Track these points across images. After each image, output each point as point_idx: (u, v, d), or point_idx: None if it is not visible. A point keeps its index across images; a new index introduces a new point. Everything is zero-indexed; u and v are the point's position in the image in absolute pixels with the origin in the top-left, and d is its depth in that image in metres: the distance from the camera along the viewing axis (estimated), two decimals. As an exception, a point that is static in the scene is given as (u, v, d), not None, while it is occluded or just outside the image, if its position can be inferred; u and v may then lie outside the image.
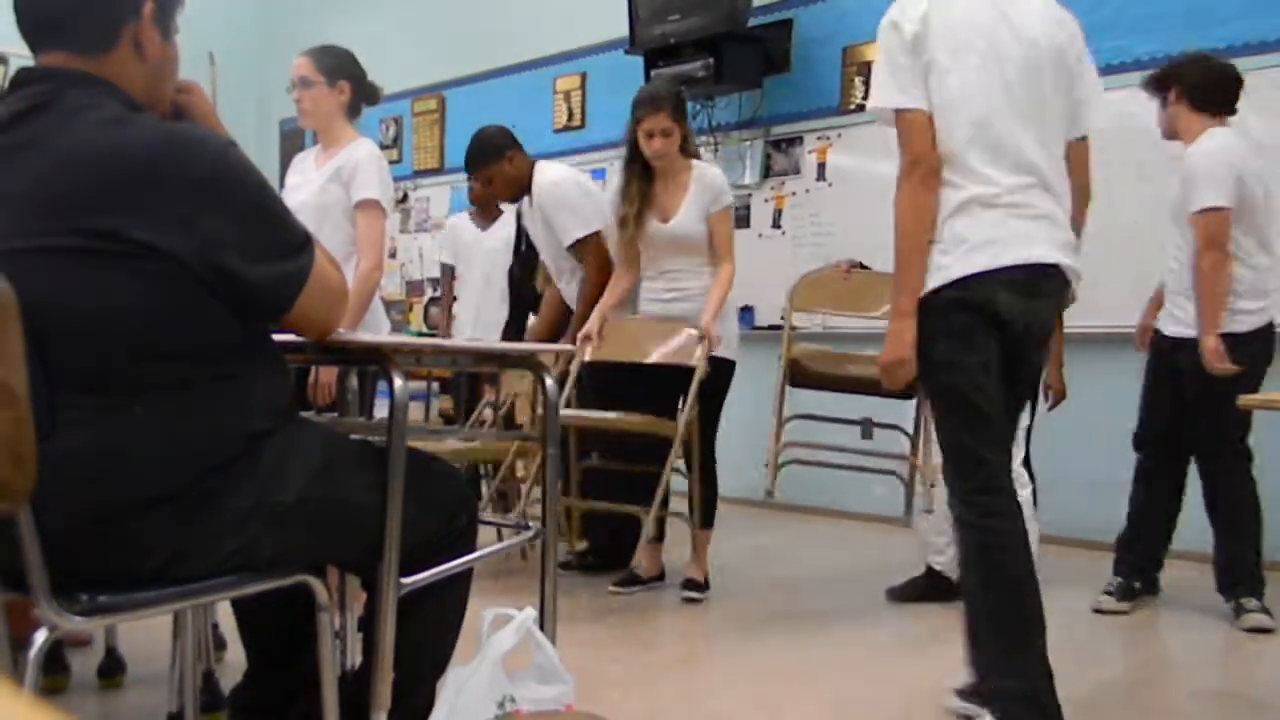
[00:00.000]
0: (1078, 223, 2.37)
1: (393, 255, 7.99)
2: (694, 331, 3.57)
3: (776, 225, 5.89)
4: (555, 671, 1.96)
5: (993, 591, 2.20)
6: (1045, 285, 2.25)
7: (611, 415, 3.59)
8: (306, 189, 3.18)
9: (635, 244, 3.72)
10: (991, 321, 2.21)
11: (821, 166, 5.75)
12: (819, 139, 5.75)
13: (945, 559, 3.52)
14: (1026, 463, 3.46)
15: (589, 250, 3.96)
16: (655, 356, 3.61)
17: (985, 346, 2.22)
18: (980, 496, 2.22)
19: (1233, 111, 3.47)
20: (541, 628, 2.04)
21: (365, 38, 8.63)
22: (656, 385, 3.64)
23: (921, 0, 2.26)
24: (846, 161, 5.64)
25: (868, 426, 4.12)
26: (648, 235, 3.69)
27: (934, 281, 2.23)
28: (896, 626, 3.47)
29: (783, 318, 3.56)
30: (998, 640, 2.21)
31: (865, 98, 5.51)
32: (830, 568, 3.54)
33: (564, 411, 3.35)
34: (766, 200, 5.96)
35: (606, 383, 3.77)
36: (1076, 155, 2.36)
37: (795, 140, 5.85)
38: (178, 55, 1.69)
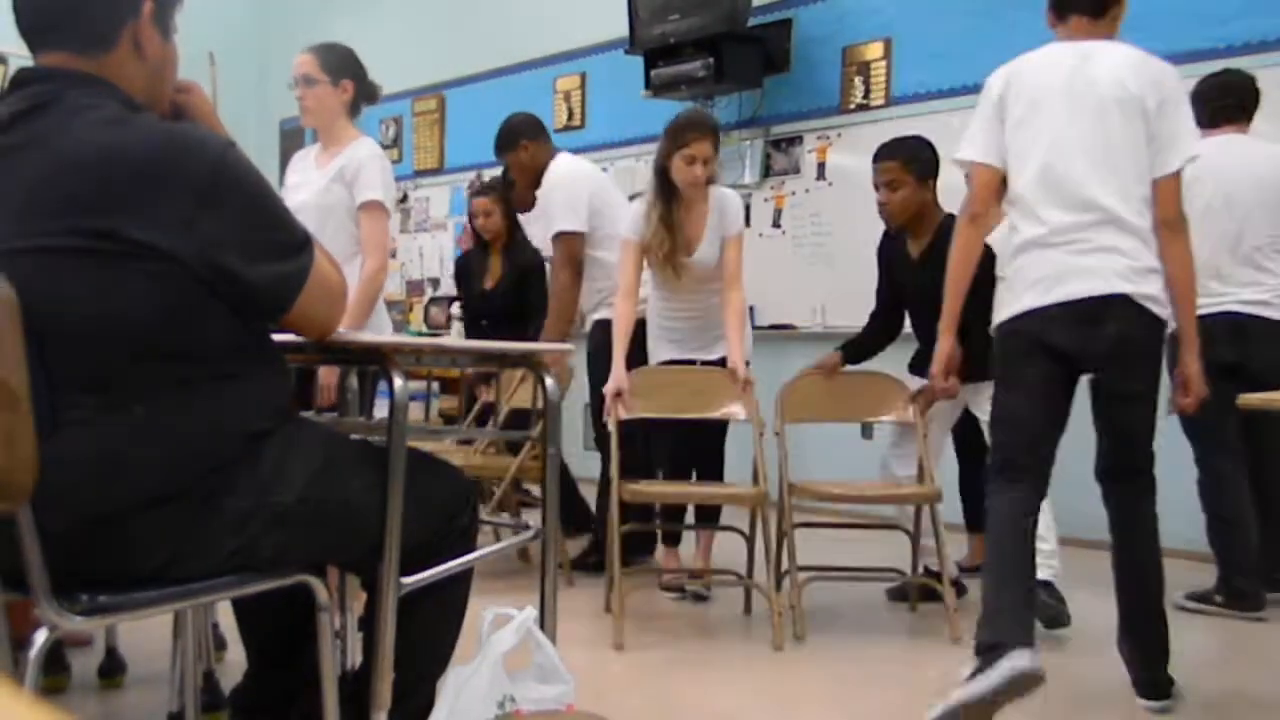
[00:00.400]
0: (1170, 252, 2.53)
1: (393, 255, 7.99)
2: (728, 379, 3.50)
3: (776, 225, 5.90)
4: (556, 671, 1.96)
5: (989, 557, 2.55)
6: (1109, 313, 2.46)
7: (689, 490, 3.67)
8: (308, 189, 3.17)
9: (668, 277, 3.61)
10: (1047, 351, 2.50)
11: (821, 166, 5.75)
12: (819, 138, 5.75)
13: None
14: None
15: (562, 247, 3.97)
16: (697, 412, 3.54)
17: (1033, 373, 2.52)
18: (996, 478, 2.56)
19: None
20: (542, 627, 2.05)
21: (365, 37, 8.62)
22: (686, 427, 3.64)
23: (1015, 61, 2.62)
24: (846, 161, 5.64)
25: (867, 427, 4.12)
26: (674, 268, 3.59)
27: (998, 317, 2.60)
28: (900, 624, 3.47)
29: (776, 432, 3.42)
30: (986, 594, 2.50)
31: (865, 97, 5.59)
32: (835, 565, 3.54)
33: (638, 488, 3.36)
34: (766, 200, 5.96)
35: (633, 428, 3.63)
36: (1162, 193, 2.53)
37: (795, 140, 5.86)
38: (177, 55, 1.69)
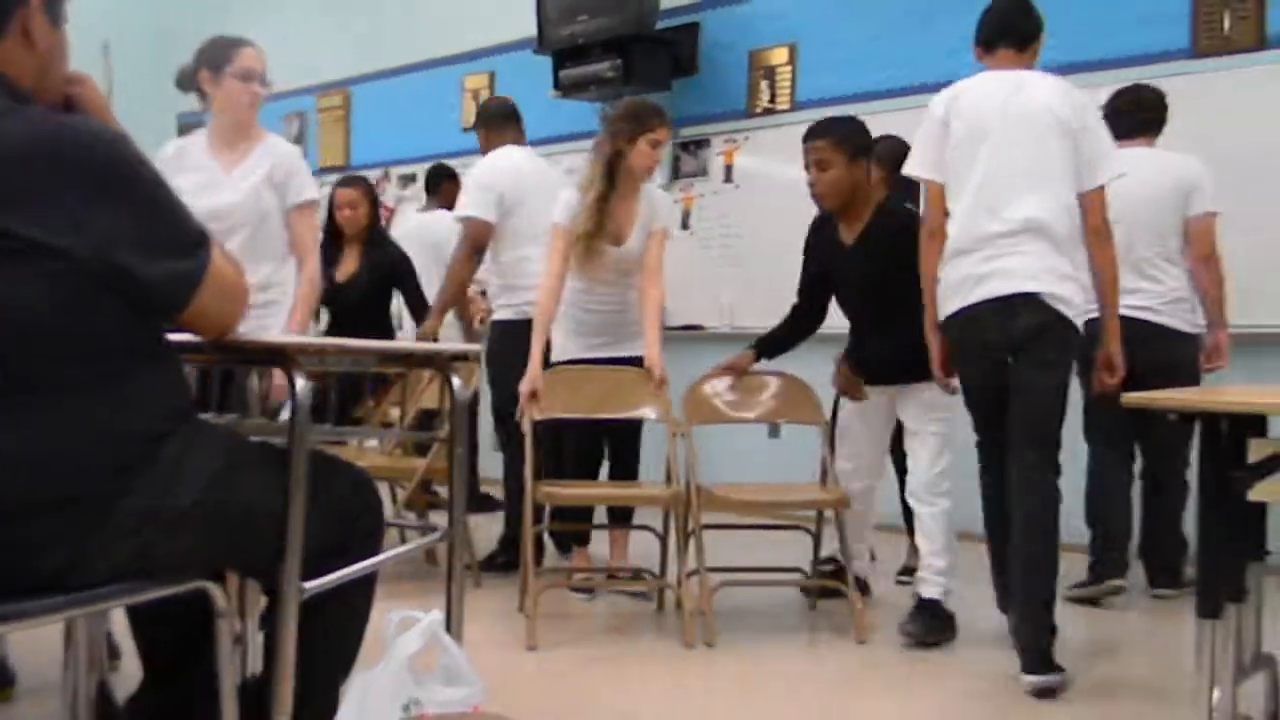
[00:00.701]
0: (1099, 256, 2.94)
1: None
2: (642, 378, 3.53)
3: (685, 226, 5.93)
4: (463, 673, 1.95)
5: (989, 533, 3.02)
6: (1024, 309, 2.83)
7: (604, 492, 3.69)
8: (231, 190, 3.08)
9: (586, 262, 3.59)
10: (977, 343, 2.92)
11: (729, 168, 5.81)
12: (726, 141, 5.81)
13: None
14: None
15: (462, 229, 4.05)
16: (610, 412, 3.55)
17: (973, 361, 2.97)
18: (980, 454, 3.03)
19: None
20: (449, 629, 2.03)
21: (266, 30, 8.44)
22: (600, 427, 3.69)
23: (953, 87, 3.00)
24: (753, 164, 5.71)
25: (774, 427, 4.16)
26: (596, 254, 3.58)
27: (940, 314, 3.00)
28: (806, 622, 3.53)
29: (683, 433, 3.44)
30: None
31: (771, 100, 5.66)
32: (752, 563, 3.58)
33: (552, 490, 3.40)
34: (675, 201, 5.98)
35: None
36: (1091, 204, 2.91)
37: (703, 142, 5.91)
38: (67, 44, 1.64)
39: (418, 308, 4.53)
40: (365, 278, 4.53)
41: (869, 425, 3.53)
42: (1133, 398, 2.13)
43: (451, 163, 7.06)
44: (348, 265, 4.57)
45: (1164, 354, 3.60)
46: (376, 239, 4.64)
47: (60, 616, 1.70)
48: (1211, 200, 3.69)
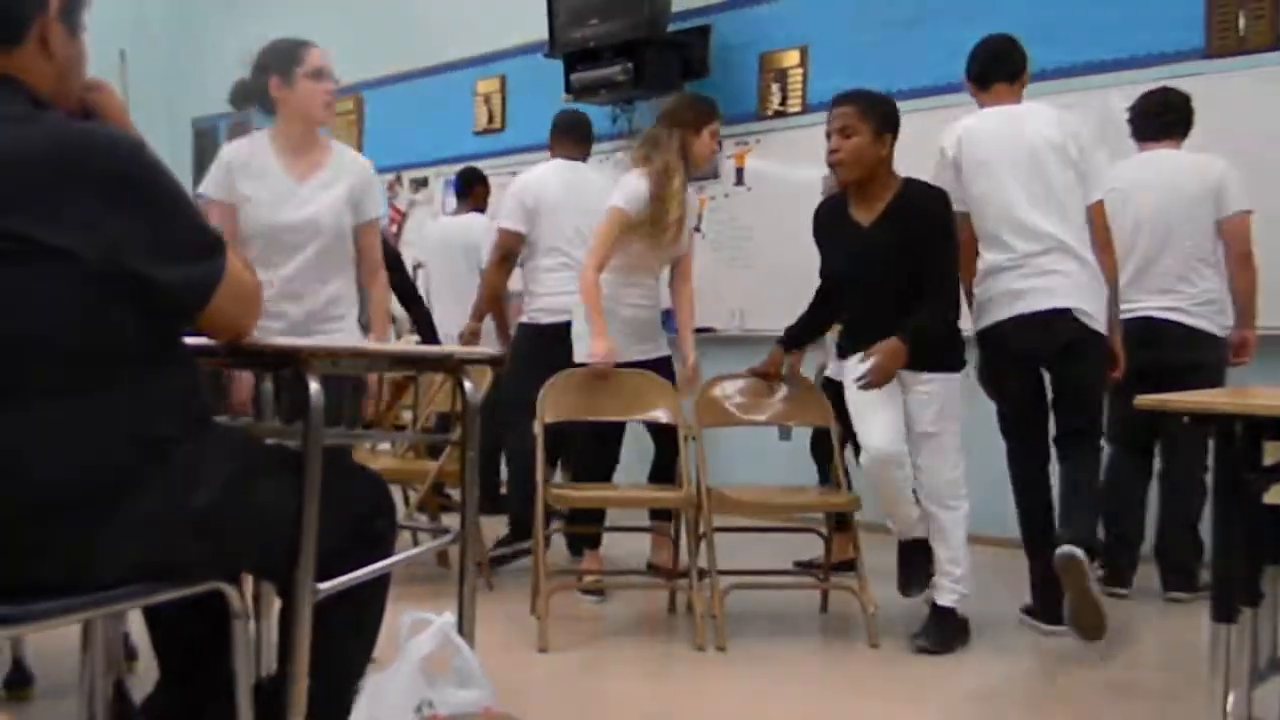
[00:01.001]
0: (1105, 265, 3.28)
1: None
2: (655, 380, 3.56)
3: (696, 229, 5.91)
4: (475, 675, 1.96)
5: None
6: (1058, 323, 3.17)
7: (616, 494, 3.65)
8: (313, 205, 2.96)
9: (655, 247, 3.60)
10: (1014, 357, 3.26)
11: (740, 171, 5.82)
12: (737, 144, 5.81)
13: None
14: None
15: (496, 238, 4.20)
16: (625, 415, 3.59)
17: (1008, 375, 3.30)
18: (1011, 442, 3.37)
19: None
20: (461, 631, 2.04)
21: (280, 35, 8.52)
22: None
23: (956, 126, 3.35)
24: (764, 166, 5.71)
25: (785, 429, 4.16)
26: (663, 242, 3.59)
27: (978, 325, 3.34)
28: (817, 625, 3.52)
29: (694, 437, 3.43)
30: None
31: (782, 103, 5.66)
32: (758, 565, 3.58)
33: (563, 492, 3.43)
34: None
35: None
36: (1094, 214, 3.29)
37: (714, 145, 5.90)
38: (85, 52, 1.66)
39: (407, 295, 4.53)
40: None
41: (886, 404, 3.22)
42: (1148, 400, 2.13)
43: (461, 167, 7.09)
44: None
45: (1193, 356, 3.63)
46: None
47: (77, 617, 1.71)
48: (1243, 198, 3.69)
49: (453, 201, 7.05)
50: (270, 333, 2.73)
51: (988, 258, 3.29)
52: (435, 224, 5.95)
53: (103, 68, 1.82)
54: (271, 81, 2.98)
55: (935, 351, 3.15)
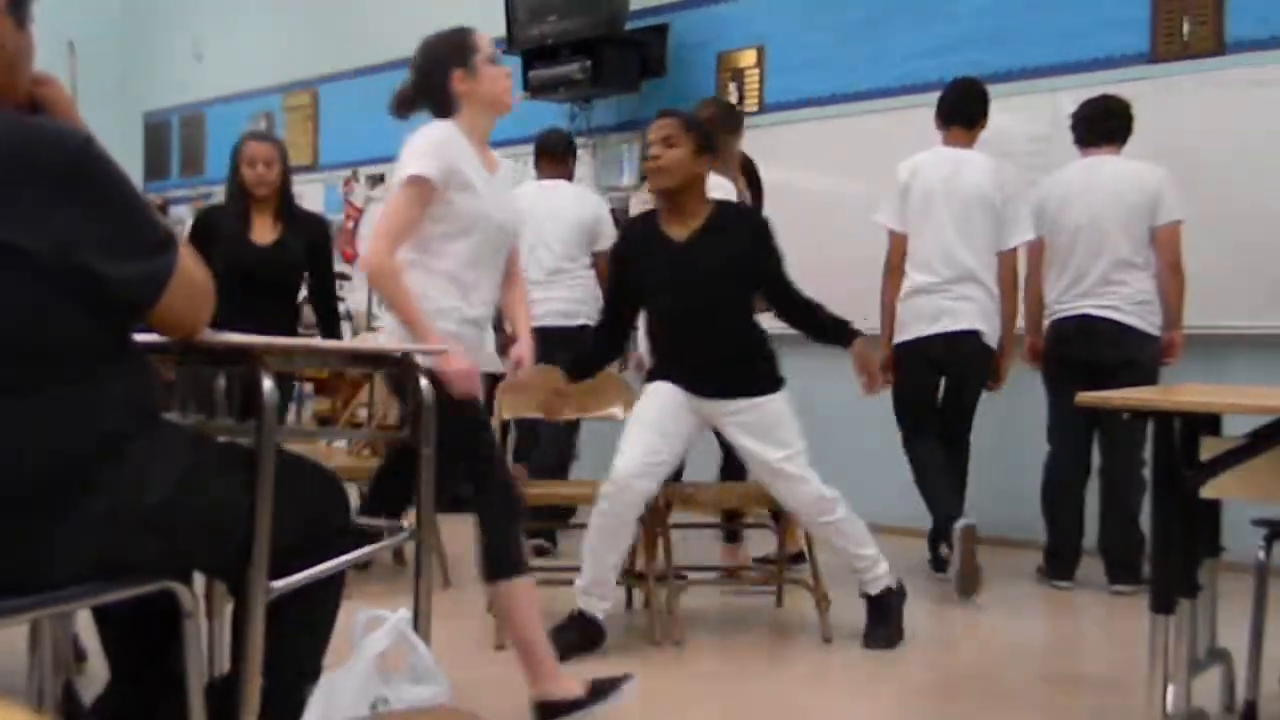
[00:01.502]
0: (1007, 300, 3.96)
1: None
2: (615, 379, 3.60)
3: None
4: (430, 672, 1.96)
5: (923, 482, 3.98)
6: (965, 343, 3.88)
7: (573, 491, 3.60)
8: (512, 207, 2.73)
9: None
10: (927, 364, 3.94)
11: (697, 170, 5.83)
12: (695, 143, 5.82)
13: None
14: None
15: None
16: (584, 412, 3.61)
17: (920, 379, 3.97)
18: (912, 437, 4.01)
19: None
20: (416, 629, 2.04)
21: (233, 28, 8.43)
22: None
23: (913, 159, 3.98)
24: (721, 165, 5.73)
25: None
26: None
27: (897, 339, 3.99)
28: (771, 620, 3.56)
29: None
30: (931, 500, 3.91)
31: (739, 103, 5.68)
32: (715, 561, 3.61)
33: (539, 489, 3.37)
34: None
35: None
36: (1004, 262, 3.97)
37: (672, 143, 5.92)
38: (33, 45, 1.64)
39: (328, 285, 4.23)
40: (289, 243, 4.03)
41: (671, 424, 3.14)
42: (1088, 397, 2.18)
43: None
44: (265, 228, 4.04)
45: (1128, 352, 3.82)
46: (291, 206, 4.15)
47: (26, 617, 1.70)
48: (1177, 208, 3.85)
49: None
50: (479, 351, 2.58)
51: (916, 278, 3.91)
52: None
53: (51, 59, 1.80)
54: (454, 75, 2.72)
55: (743, 376, 3.11)
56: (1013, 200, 3.91)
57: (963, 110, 4.02)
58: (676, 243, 3.11)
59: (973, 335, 3.86)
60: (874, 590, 3.20)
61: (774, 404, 3.11)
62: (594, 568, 3.07)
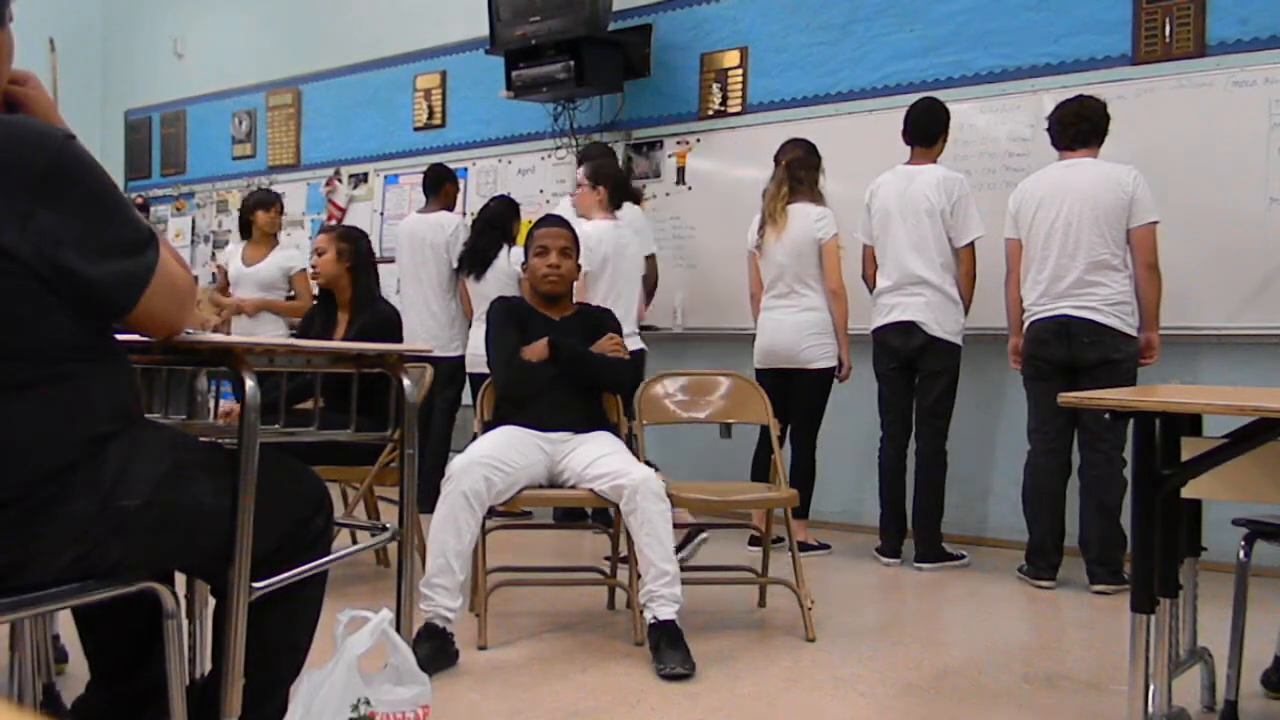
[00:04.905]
0: (966, 294, 4.37)
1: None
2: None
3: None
4: (412, 673, 1.96)
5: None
6: (915, 333, 4.33)
7: (562, 493, 3.34)
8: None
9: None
10: (889, 351, 4.43)
11: (681, 170, 5.84)
12: (679, 143, 5.84)
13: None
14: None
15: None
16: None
17: (886, 363, 4.46)
18: (881, 415, 4.51)
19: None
20: (399, 629, 2.04)
21: (215, 26, 8.39)
22: None
23: (876, 180, 4.46)
24: (705, 165, 5.75)
25: (725, 427, 4.18)
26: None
27: (869, 328, 4.49)
28: (753, 620, 3.56)
29: (635, 434, 3.48)
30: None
31: (722, 103, 5.70)
32: (700, 560, 3.61)
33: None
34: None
35: None
36: (962, 256, 4.35)
37: (655, 144, 5.93)
38: (13, 44, 1.63)
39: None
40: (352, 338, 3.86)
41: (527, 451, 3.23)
42: (1069, 397, 2.19)
43: (401, 162, 7.05)
44: (341, 326, 4.03)
45: (1106, 352, 3.86)
46: (362, 294, 4.06)
47: (6, 618, 1.68)
48: (1152, 209, 3.87)
49: (398, 198, 7.03)
50: None
51: (881, 281, 4.44)
52: (404, 222, 5.84)
53: (31, 58, 1.79)
54: None
55: (587, 414, 3.38)
56: (961, 204, 4.29)
57: (921, 131, 4.39)
58: (554, 320, 3.50)
59: (915, 326, 4.32)
60: (665, 614, 2.98)
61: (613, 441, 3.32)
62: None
